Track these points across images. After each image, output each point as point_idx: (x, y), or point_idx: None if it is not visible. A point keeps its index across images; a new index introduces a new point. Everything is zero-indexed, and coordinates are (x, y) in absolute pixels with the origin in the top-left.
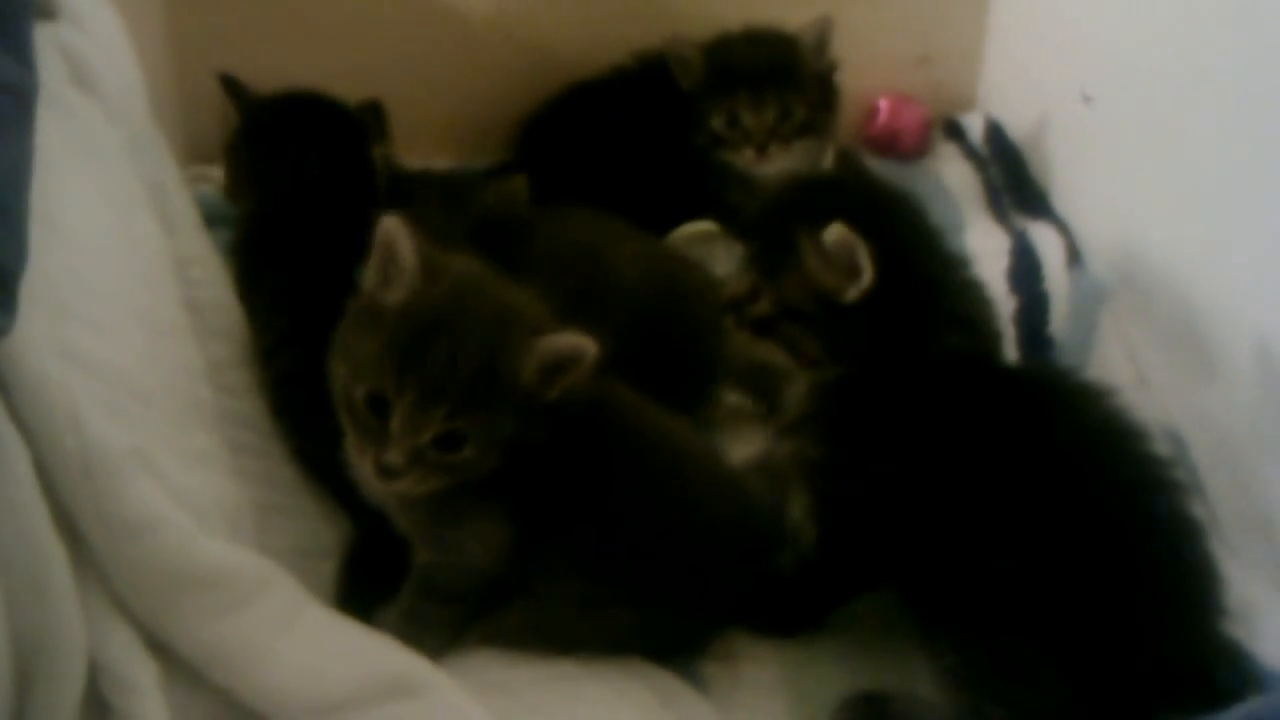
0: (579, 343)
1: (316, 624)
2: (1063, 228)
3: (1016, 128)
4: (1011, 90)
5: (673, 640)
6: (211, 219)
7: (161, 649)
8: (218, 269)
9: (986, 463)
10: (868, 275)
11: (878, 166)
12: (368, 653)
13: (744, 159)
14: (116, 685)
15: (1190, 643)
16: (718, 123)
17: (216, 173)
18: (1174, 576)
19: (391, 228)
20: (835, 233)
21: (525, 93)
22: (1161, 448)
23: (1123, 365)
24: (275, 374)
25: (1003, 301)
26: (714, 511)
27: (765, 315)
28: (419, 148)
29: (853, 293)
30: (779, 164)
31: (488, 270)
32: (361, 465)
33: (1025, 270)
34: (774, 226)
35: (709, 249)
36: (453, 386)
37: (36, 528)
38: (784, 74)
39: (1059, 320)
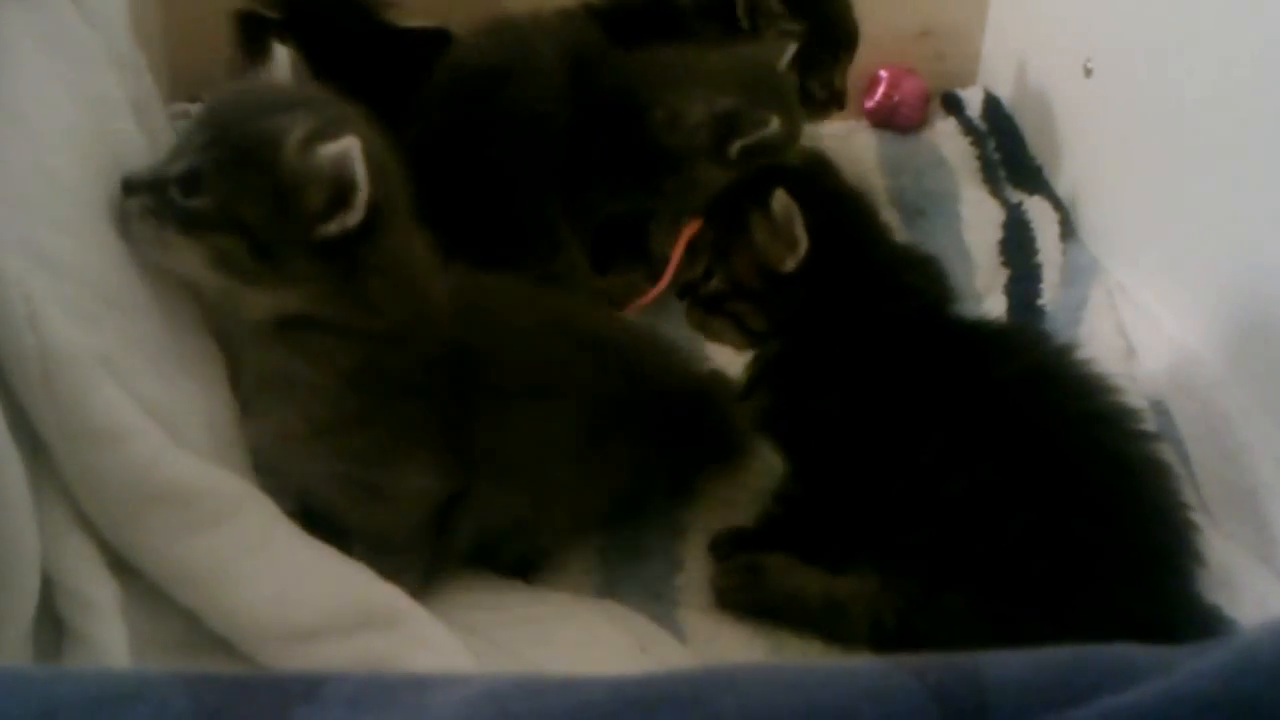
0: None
1: (291, 548)
2: (1057, 202)
3: (1017, 101)
4: (1012, 64)
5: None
6: None
7: (123, 569)
8: None
9: (920, 403)
10: (804, 243)
11: (876, 138)
12: (343, 580)
13: None
14: (73, 603)
15: (1151, 595)
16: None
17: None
18: (1127, 519)
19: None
20: (778, 200)
21: None
22: (1120, 395)
23: (1112, 337)
24: None
25: (995, 273)
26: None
27: (716, 292)
28: None
29: (791, 262)
30: None
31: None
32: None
33: (1018, 243)
34: (728, 209)
35: None
36: (220, 122)
37: None
38: None
39: (1050, 292)
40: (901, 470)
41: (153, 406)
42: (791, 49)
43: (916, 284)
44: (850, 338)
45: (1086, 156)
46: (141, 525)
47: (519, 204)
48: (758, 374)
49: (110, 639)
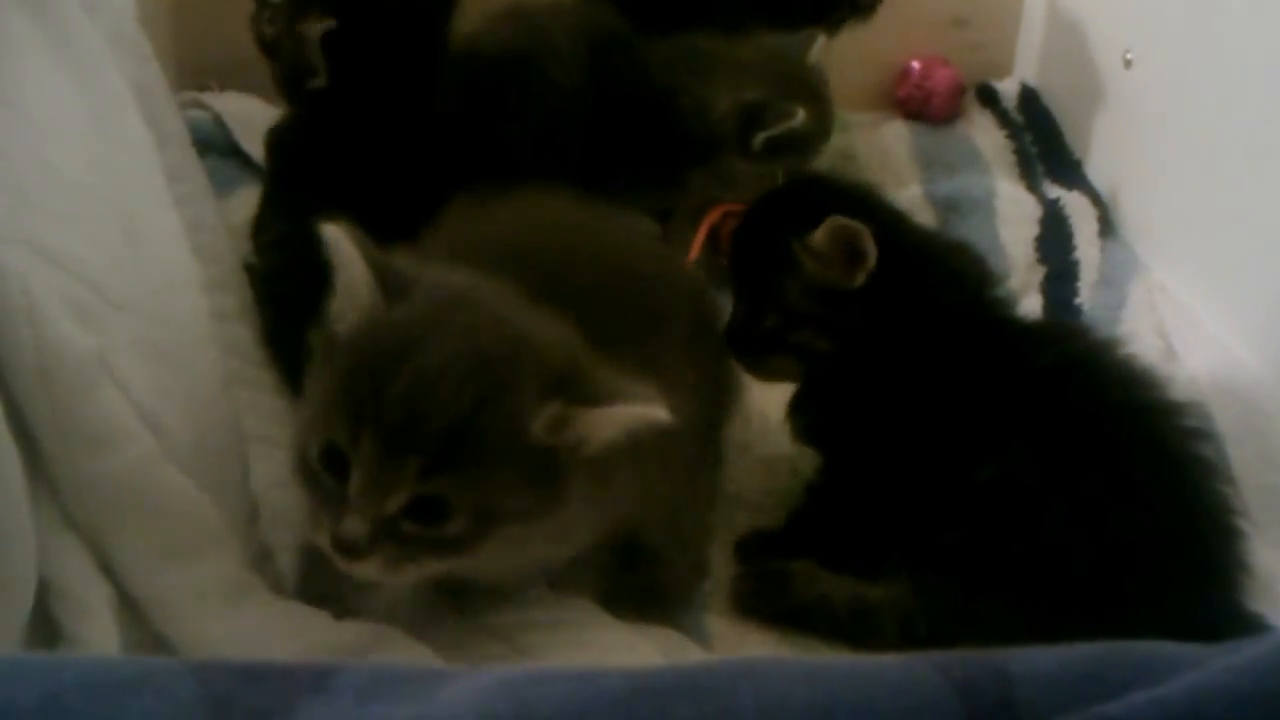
0: (645, 413)
1: (263, 596)
2: (1096, 198)
3: (1054, 93)
4: (1050, 54)
5: None
6: (203, 146)
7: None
8: (207, 189)
9: (963, 399)
10: (873, 254)
11: (908, 130)
12: (316, 625)
13: None
14: (66, 604)
15: (1196, 601)
16: None
17: (211, 99)
18: (1173, 521)
19: (333, 237)
20: (833, 225)
21: None
22: (1167, 389)
23: (1151, 338)
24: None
25: (1030, 271)
26: None
27: (772, 328)
28: None
29: (860, 276)
30: None
31: (488, 284)
32: (319, 541)
33: (1055, 240)
34: (759, 245)
35: None
36: (425, 432)
37: None
38: None
39: (1088, 290)
40: (939, 468)
41: (146, 413)
42: (819, 41)
43: (960, 268)
44: (906, 335)
45: (1126, 150)
46: (124, 539)
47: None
48: (808, 389)
49: (103, 642)
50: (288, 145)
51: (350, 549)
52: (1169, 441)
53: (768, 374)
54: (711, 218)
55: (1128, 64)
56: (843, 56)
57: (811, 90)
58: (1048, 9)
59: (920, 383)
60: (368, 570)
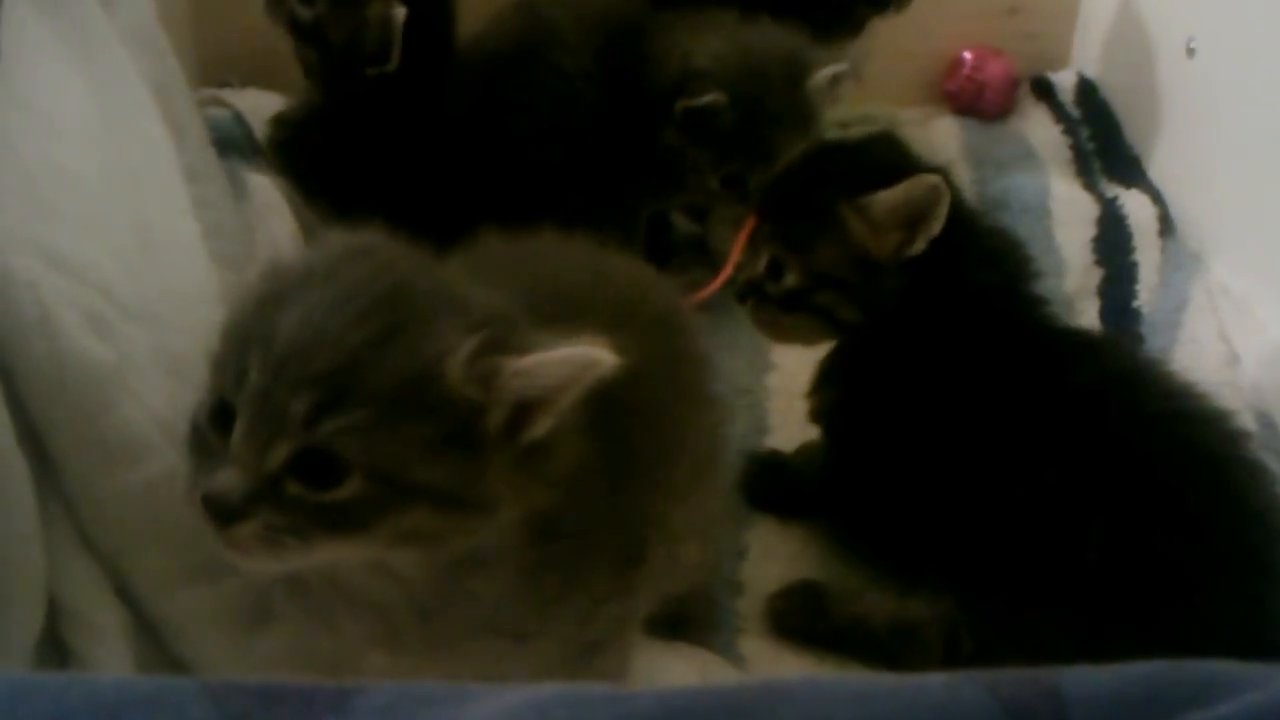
0: (584, 355)
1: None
2: (1156, 196)
3: (1113, 85)
4: (1109, 44)
5: None
6: (224, 146)
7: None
8: (226, 190)
9: (1002, 414)
10: (939, 224)
11: (959, 125)
12: None
13: None
14: (76, 626)
15: (1252, 612)
16: None
17: (231, 96)
18: (1223, 526)
19: (259, 184)
20: (916, 185)
21: None
22: (1210, 398)
23: (1213, 342)
24: None
25: (1087, 273)
26: None
27: (795, 288)
28: None
29: (920, 244)
30: None
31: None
32: (191, 508)
33: (1114, 240)
34: (799, 198)
35: None
36: (315, 367)
37: None
38: None
39: (1147, 293)
40: (980, 475)
41: (164, 426)
42: (834, 67)
43: (997, 251)
44: (936, 318)
45: (1188, 145)
46: (143, 558)
47: (545, 194)
48: (830, 367)
49: (115, 664)
50: (301, 136)
51: (222, 509)
52: (1215, 447)
53: (779, 333)
54: (751, 222)
55: (1190, 53)
56: (889, 47)
57: (768, 90)
58: None
59: (947, 373)
60: (241, 539)
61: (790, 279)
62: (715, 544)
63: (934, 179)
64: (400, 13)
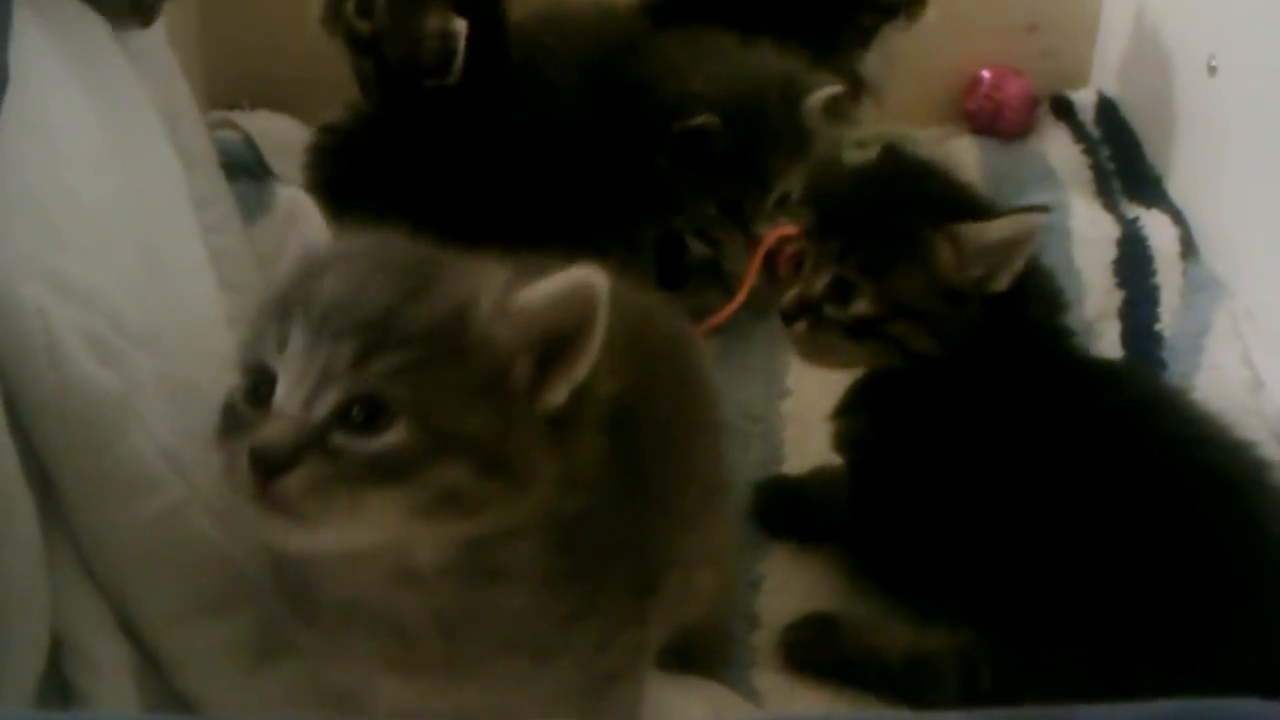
0: (574, 276)
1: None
2: (1178, 216)
3: (1133, 104)
4: (1129, 62)
5: None
6: (233, 168)
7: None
8: (234, 214)
9: (1033, 445)
10: (1021, 262)
11: (978, 145)
12: None
13: None
14: (80, 663)
15: (1266, 641)
16: None
17: (241, 118)
18: (1249, 557)
19: (294, 199)
20: (1020, 222)
21: None
22: (1233, 427)
23: (1237, 367)
24: None
25: (1108, 295)
26: None
27: (868, 316)
28: None
29: (1005, 280)
30: None
31: None
32: (232, 482)
33: (1135, 262)
34: (877, 218)
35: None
36: (358, 316)
37: (2, 472)
38: None
39: (1169, 316)
40: (1007, 505)
41: (172, 458)
42: (828, 90)
43: (1043, 282)
44: (1000, 355)
45: (1210, 165)
46: (150, 592)
47: (546, 213)
48: (863, 394)
49: (118, 702)
50: (349, 145)
51: (271, 459)
52: (1239, 478)
53: (825, 358)
54: (768, 242)
55: (1212, 71)
56: (908, 66)
57: (763, 113)
58: (1126, 14)
59: (991, 405)
60: (290, 490)
61: (862, 305)
62: (728, 574)
63: (1042, 218)
64: (462, 25)
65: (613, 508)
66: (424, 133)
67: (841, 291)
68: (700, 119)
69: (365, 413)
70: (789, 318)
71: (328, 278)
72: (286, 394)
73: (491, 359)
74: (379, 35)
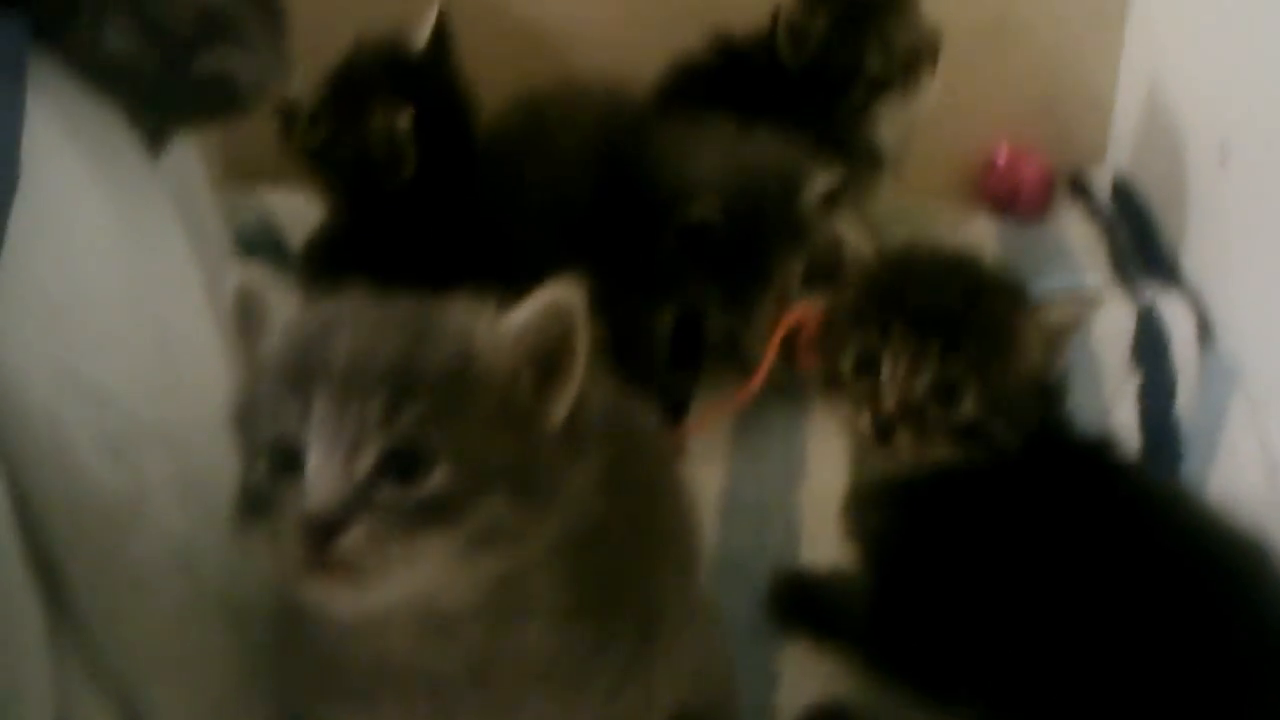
0: (550, 294)
1: None
2: (1194, 300)
3: (1148, 186)
4: (1143, 143)
5: None
6: (249, 246)
7: None
8: None
9: (1053, 541)
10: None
11: (994, 225)
12: None
13: None
14: None
15: None
16: None
17: (258, 197)
18: (1261, 662)
19: (251, 282)
20: (1083, 300)
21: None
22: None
23: (1255, 455)
24: None
25: (1124, 379)
26: None
27: (976, 418)
28: None
29: (1061, 364)
30: None
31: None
32: (281, 563)
33: (1151, 346)
34: (966, 310)
35: None
36: (380, 369)
37: (4, 572)
38: None
39: (1186, 401)
40: (1031, 606)
41: (186, 555)
42: (825, 179)
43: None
44: (1028, 455)
45: (1225, 249)
46: (159, 691)
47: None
48: (890, 487)
49: None
50: (331, 258)
51: (325, 523)
52: (1250, 571)
53: (918, 456)
54: (786, 324)
55: (1225, 155)
56: (924, 144)
57: (763, 207)
58: (1142, 95)
59: (1021, 501)
60: (350, 549)
61: (969, 405)
62: (719, 656)
63: (1097, 299)
64: (404, 119)
65: (614, 546)
66: (394, 231)
67: (946, 393)
68: (701, 214)
69: (403, 463)
70: (887, 430)
71: (338, 339)
72: (324, 459)
73: (498, 387)
74: (328, 143)
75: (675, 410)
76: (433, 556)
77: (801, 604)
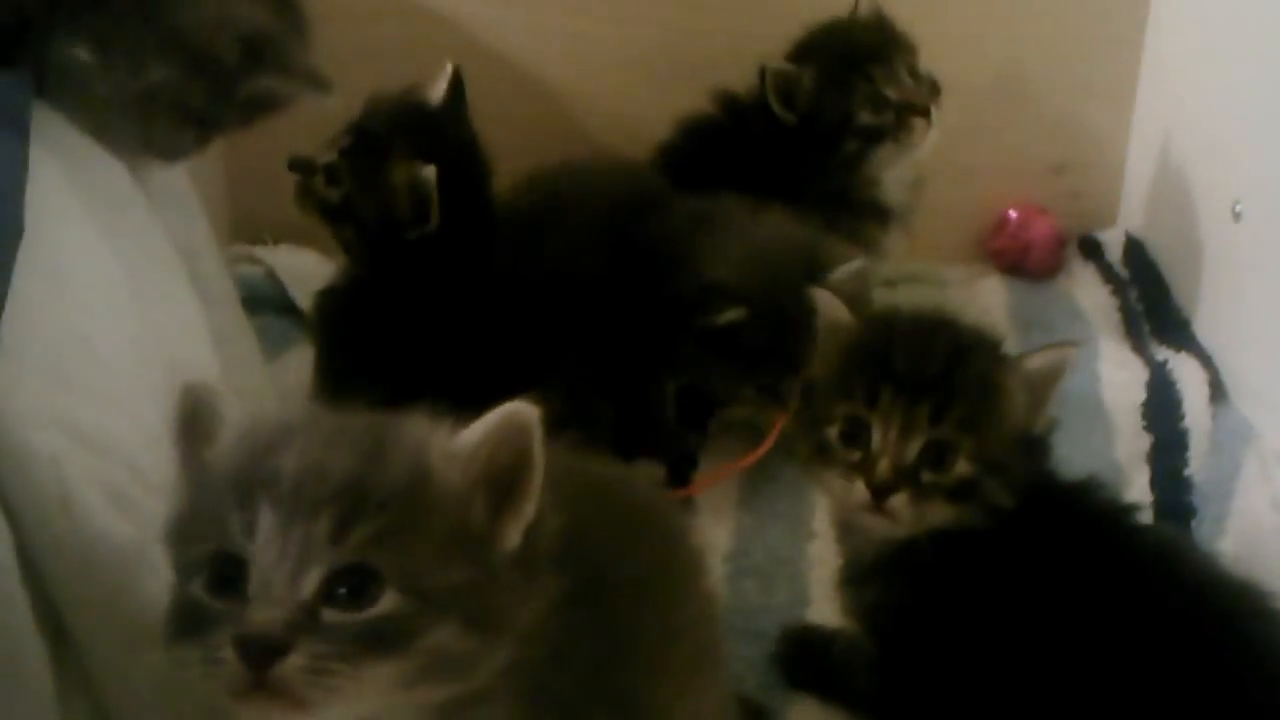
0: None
1: None
2: (1206, 360)
3: (1160, 246)
4: (1156, 204)
5: None
6: (256, 302)
7: None
8: (255, 351)
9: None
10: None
11: (1005, 285)
12: None
13: None
14: None
15: None
16: None
17: (264, 253)
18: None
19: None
20: (1062, 353)
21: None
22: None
23: (1268, 513)
24: None
25: (1136, 439)
26: None
27: (968, 478)
28: None
29: (1042, 421)
30: None
31: None
32: (214, 676)
33: (1164, 405)
34: (950, 371)
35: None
36: (330, 487)
37: (14, 623)
38: None
39: (1198, 460)
40: (1037, 671)
41: None
42: (857, 266)
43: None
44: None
45: (1237, 308)
46: None
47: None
48: (888, 560)
49: None
50: (347, 309)
51: (264, 647)
52: (1263, 632)
53: (915, 521)
54: (784, 418)
55: (1237, 216)
56: (935, 205)
57: (788, 298)
58: (1153, 156)
59: (1015, 563)
60: (288, 677)
61: (963, 465)
62: None
63: (1074, 350)
64: (430, 170)
65: (584, 655)
66: (414, 285)
67: (939, 455)
68: (729, 315)
69: (351, 585)
70: (884, 493)
71: (288, 453)
72: (267, 576)
73: (452, 508)
74: (349, 199)
75: (682, 469)
76: (377, 685)
77: (809, 662)
